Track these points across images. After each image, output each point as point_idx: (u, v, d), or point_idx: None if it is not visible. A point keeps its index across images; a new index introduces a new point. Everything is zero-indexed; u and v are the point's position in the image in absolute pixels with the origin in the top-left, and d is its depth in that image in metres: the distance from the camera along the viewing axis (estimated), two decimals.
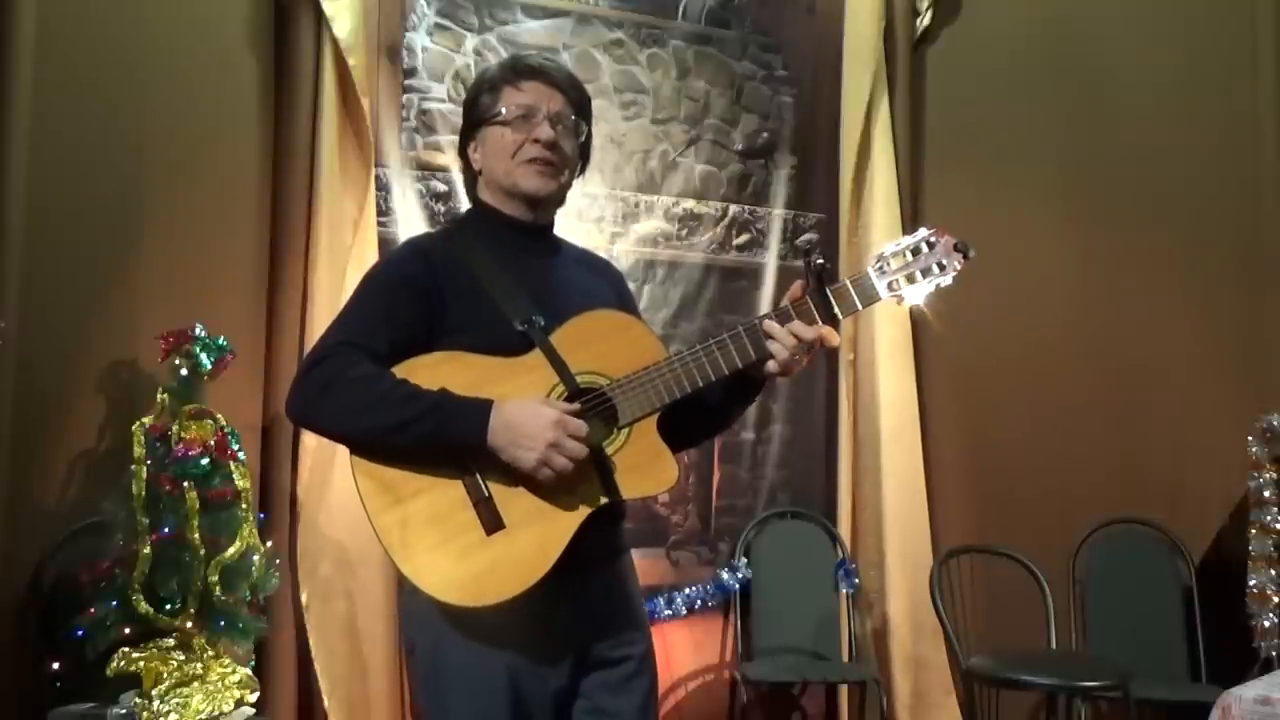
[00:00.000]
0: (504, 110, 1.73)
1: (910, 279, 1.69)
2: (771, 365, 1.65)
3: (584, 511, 1.59)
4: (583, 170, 1.85)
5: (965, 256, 1.69)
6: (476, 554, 1.56)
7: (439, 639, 1.64)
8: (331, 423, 1.61)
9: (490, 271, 1.68)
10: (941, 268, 1.69)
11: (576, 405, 1.59)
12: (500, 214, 1.77)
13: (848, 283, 1.68)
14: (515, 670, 1.61)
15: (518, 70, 1.76)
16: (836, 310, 1.66)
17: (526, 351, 1.63)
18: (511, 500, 1.58)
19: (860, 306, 1.68)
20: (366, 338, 1.62)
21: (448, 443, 1.56)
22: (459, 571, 1.55)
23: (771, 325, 1.65)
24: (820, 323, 1.65)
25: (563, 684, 1.65)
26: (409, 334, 1.63)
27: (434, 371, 1.59)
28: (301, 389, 1.61)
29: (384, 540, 1.57)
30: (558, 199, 1.81)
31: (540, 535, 1.57)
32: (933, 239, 1.69)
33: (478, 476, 1.57)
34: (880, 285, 1.68)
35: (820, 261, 1.67)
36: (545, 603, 1.57)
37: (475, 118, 1.78)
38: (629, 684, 1.70)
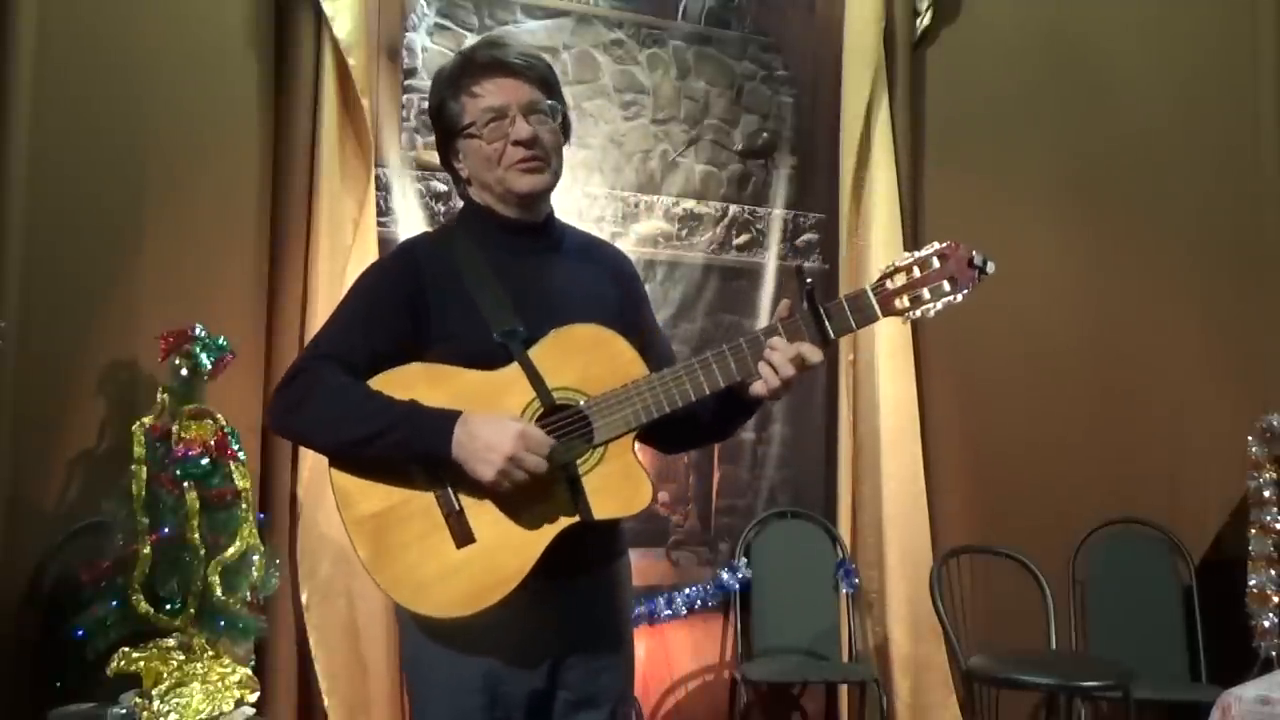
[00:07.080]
0: (473, 120, 1.66)
1: (916, 299, 1.57)
2: (758, 386, 1.58)
3: (553, 530, 1.56)
4: (566, 140, 1.75)
5: (982, 272, 1.56)
6: (447, 567, 1.55)
7: (418, 645, 1.65)
8: (307, 435, 1.63)
9: (479, 276, 1.63)
10: (954, 283, 1.56)
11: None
12: (494, 213, 1.71)
13: (843, 300, 1.59)
14: (491, 674, 1.61)
15: (472, 71, 1.67)
16: (829, 330, 1.57)
17: (507, 365, 1.59)
18: (482, 515, 1.56)
19: (856, 327, 1.58)
20: (343, 350, 1.61)
21: (415, 454, 1.55)
22: (430, 584, 1.55)
23: (756, 345, 1.57)
24: (806, 341, 1.56)
25: (540, 685, 1.65)
26: (393, 343, 1.61)
27: (412, 386, 1.57)
28: (277, 403, 1.62)
29: (358, 548, 1.58)
30: (552, 188, 1.73)
31: (510, 551, 1.55)
32: (946, 253, 1.57)
33: (449, 490, 1.56)
34: (878, 304, 1.57)
35: (810, 281, 1.60)
36: (527, 607, 1.56)
37: (447, 127, 1.70)
38: (596, 698, 1.69)
